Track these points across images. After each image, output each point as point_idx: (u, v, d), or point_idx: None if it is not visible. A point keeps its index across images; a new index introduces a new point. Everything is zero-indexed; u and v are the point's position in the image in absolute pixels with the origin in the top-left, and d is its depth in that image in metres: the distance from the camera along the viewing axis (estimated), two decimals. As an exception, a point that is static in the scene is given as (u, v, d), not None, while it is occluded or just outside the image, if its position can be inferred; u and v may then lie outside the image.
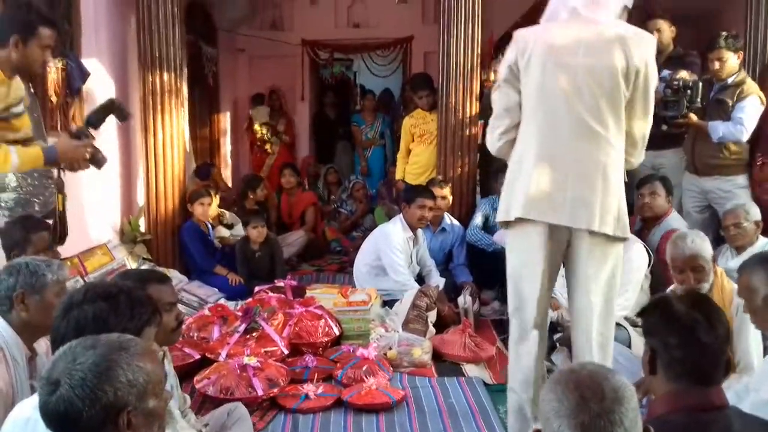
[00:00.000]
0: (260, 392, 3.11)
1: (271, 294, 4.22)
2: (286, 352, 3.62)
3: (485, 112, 5.11)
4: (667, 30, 4.90)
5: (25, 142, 2.90)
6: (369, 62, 8.10)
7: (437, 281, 4.57)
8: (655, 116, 4.28)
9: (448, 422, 3.07)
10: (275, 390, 3.18)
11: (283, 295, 4.23)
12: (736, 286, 3.02)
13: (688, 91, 4.28)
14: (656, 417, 1.78)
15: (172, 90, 4.88)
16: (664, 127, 4.45)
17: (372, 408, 3.15)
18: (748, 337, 2.90)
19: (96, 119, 3.10)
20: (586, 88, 2.47)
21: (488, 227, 4.97)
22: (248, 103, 7.69)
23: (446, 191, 4.90)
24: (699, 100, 4.31)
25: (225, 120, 7.52)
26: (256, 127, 7.24)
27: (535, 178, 2.52)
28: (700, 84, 4.31)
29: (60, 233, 3.18)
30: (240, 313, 3.91)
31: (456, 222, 5.02)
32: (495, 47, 5.44)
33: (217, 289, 4.82)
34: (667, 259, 3.17)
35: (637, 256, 3.71)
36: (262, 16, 7.89)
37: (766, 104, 4.35)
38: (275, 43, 7.65)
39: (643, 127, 2.59)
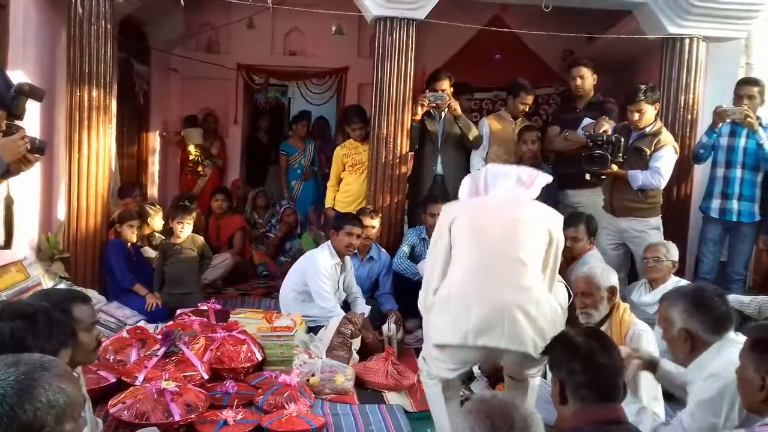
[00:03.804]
0: (177, 417, 3.04)
1: (193, 317, 4.16)
2: (206, 377, 3.57)
3: (412, 144, 5.25)
4: (590, 77, 5.20)
5: None
6: (304, 89, 8.14)
7: (363, 309, 4.61)
8: (579, 165, 4.64)
9: (367, 449, 3.09)
10: (193, 416, 3.12)
11: (205, 319, 4.17)
12: (635, 319, 3.24)
13: (611, 146, 4.55)
14: (568, 430, 1.93)
15: (100, 106, 4.78)
16: (588, 176, 4.72)
17: (291, 435, 3.13)
18: None
19: (17, 109, 3.01)
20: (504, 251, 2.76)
21: (414, 256, 5.06)
22: (180, 124, 7.59)
23: (376, 221, 4.97)
24: (620, 154, 4.58)
25: (154, 139, 7.38)
26: (190, 148, 7.16)
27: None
28: (622, 140, 4.58)
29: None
30: (159, 336, 3.83)
31: (383, 251, 5.09)
32: (426, 82, 5.60)
33: (136, 311, 4.70)
34: None
35: (559, 294, 3.87)
36: (198, 38, 7.83)
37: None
38: (210, 65, 7.61)
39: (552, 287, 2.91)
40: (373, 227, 4.94)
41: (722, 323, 2.31)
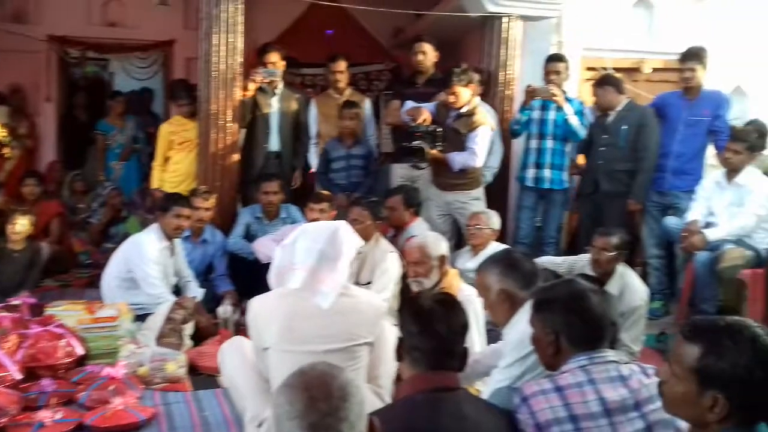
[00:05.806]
0: (-16, 424, 2.78)
1: (3, 314, 3.78)
2: (18, 377, 3.26)
3: (241, 120, 5.11)
4: (431, 53, 5.36)
5: None
6: (127, 64, 7.65)
7: (195, 292, 4.45)
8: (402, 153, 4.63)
9: (201, 436, 2.99)
10: (4, 420, 2.86)
11: (18, 315, 3.82)
12: (464, 285, 3.40)
13: (429, 136, 4.73)
14: (401, 398, 2.01)
15: None
16: (410, 164, 4.89)
17: (118, 429, 2.97)
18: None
19: None
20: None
21: (249, 236, 4.96)
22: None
23: (208, 203, 4.77)
24: (438, 144, 4.76)
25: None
26: (-6, 128, 6.47)
27: None
28: (439, 131, 4.76)
29: None
30: (-39, 338, 3.45)
31: (218, 232, 4.93)
32: (256, 55, 5.46)
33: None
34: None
35: (392, 266, 3.99)
36: (3, 6, 7.07)
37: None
38: (16, 36, 6.88)
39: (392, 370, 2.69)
40: (207, 209, 4.75)
41: (531, 278, 2.49)
